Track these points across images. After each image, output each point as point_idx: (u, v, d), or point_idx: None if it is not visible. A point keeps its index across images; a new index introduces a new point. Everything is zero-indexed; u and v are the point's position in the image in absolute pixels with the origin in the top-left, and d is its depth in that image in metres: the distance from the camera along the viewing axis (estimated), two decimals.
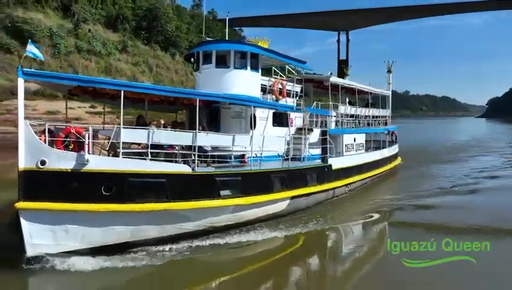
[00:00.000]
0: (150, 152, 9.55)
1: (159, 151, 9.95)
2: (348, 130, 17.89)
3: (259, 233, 11.14)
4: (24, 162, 8.16)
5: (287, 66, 15.99)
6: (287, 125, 14.25)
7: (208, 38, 15.22)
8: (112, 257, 8.80)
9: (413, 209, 14.77)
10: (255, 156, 11.84)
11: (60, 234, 8.61)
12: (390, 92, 25.35)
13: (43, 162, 8.26)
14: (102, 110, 15.33)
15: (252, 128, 12.78)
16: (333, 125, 17.06)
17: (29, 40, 9.63)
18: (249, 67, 13.39)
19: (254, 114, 13.11)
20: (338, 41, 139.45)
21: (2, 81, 35.67)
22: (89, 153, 8.60)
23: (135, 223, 9.36)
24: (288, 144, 13.21)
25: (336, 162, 15.41)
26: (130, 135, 9.50)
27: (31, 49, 8.69)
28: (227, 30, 17.53)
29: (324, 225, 12.20)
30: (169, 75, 55.94)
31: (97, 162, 8.73)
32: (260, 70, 14.13)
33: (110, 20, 57.49)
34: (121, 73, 49.36)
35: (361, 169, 17.84)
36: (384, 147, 21.90)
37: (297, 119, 15.13)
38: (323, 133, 15.40)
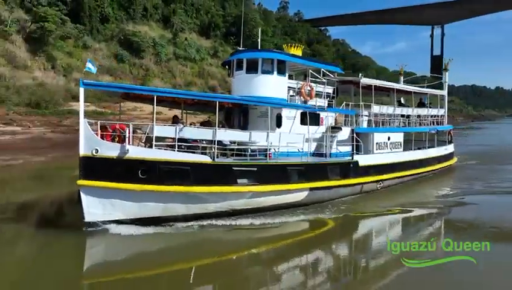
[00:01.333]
0: (189, 146, 11.78)
1: (196, 145, 12.07)
2: (379, 128, 18.03)
3: (278, 218, 12.41)
4: (83, 150, 10.51)
5: (322, 69, 16.75)
6: (316, 124, 15.43)
7: (239, 48, 16.75)
8: (147, 228, 10.90)
9: (437, 207, 15.01)
10: (274, 151, 13.35)
11: (108, 206, 10.86)
12: (446, 91, 24.69)
13: (96, 151, 10.56)
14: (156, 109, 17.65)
15: (278, 126, 14.14)
16: (365, 124, 17.63)
17: (88, 59, 12.29)
18: (275, 72, 14.80)
19: (280, 113, 14.56)
20: (431, 36, 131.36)
21: None
22: (129, 145, 10.81)
23: (165, 201, 11.33)
24: (307, 140, 14.34)
25: (363, 159, 16.04)
26: (161, 131, 11.62)
27: (88, 65, 11.40)
28: (259, 39, 19.31)
29: (342, 215, 13.16)
30: None
31: (135, 152, 10.89)
32: (287, 74, 15.41)
33: (203, 28, 62.96)
34: (212, 76, 54.08)
35: (397, 167, 17.98)
36: (431, 147, 21.64)
37: (328, 118, 16.05)
38: (351, 131, 16.26)
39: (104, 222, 10.89)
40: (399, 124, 19.76)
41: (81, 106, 10.58)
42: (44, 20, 38.37)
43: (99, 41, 46.12)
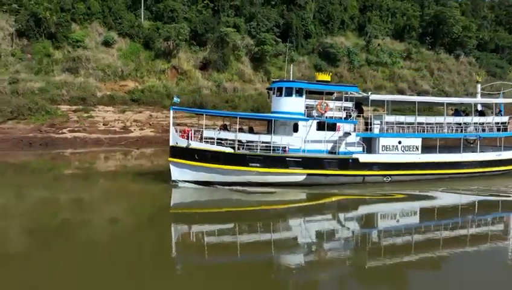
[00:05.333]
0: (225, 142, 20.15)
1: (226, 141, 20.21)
2: (385, 134, 21.85)
3: (283, 191, 19.85)
4: (171, 142, 19.98)
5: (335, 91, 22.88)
6: (331, 130, 21.16)
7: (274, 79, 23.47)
8: (202, 187, 20.11)
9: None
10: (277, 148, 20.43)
11: (182, 172, 20.06)
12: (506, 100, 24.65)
13: (176, 143, 19.79)
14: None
15: (294, 132, 21.07)
16: (376, 131, 21.33)
17: (175, 95, 23.22)
18: (294, 95, 21.24)
19: (297, 123, 21.07)
20: None
21: None
22: (191, 140, 19.75)
23: (209, 172, 19.92)
24: (305, 141, 21.02)
25: (363, 157, 20.87)
26: (208, 133, 20.13)
27: (175, 98, 21.30)
28: (291, 70, 25.00)
29: (331, 193, 19.57)
30: (450, 77, 58.07)
31: (193, 144, 19.75)
32: (304, 95, 21.40)
33: (397, 31, 65.09)
34: (402, 79, 56.42)
35: (409, 166, 21.50)
36: (467, 151, 23.25)
37: (345, 126, 20.96)
38: (357, 136, 21.45)
39: (180, 181, 20.26)
40: (424, 130, 22.65)
41: (171, 119, 20.41)
42: (263, 43, 50.11)
43: (302, 55, 55.57)
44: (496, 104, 25.48)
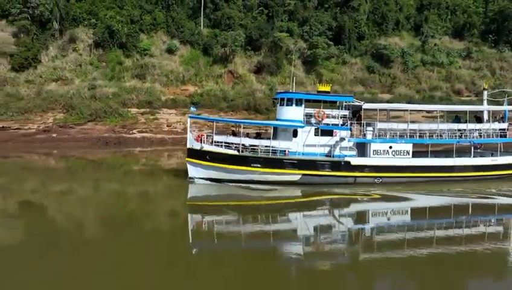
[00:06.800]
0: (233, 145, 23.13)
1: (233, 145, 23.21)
2: (375, 139, 23.39)
3: (282, 188, 22.55)
4: (188, 145, 22.84)
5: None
6: (328, 135, 23.24)
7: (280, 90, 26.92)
8: (225, 184, 22.94)
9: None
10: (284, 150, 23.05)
11: (197, 171, 23.01)
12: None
13: (192, 145, 22.67)
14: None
15: (294, 137, 23.36)
16: (369, 137, 23.50)
17: (192, 106, 26.68)
18: (294, 105, 23.59)
19: (296, 129, 23.30)
20: None
21: (366, 94, 50.90)
22: (203, 143, 22.65)
23: (220, 171, 22.76)
24: (304, 146, 23.26)
25: (355, 160, 22.69)
26: (218, 138, 23.22)
27: (192, 108, 25.28)
28: (294, 80, 25.79)
29: (322, 192, 21.89)
30: None
31: (205, 147, 22.63)
32: (303, 104, 23.57)
33: (456, 30, 62.76)
34: (459, 79, 54.75)
35: (400, 169, 22.86)
36: (463, 156, 23.56)
37: (341, 132, 23.37)
38: (349, 141, 23.31)
39: (195, 178, 23.26)
40: (416, 136, 23.78)
41: (188, 125, 24.04)
42: (315, 47, 51.65)
43: (355, 57, 56.06)
44: (499, 111, 26.20)
